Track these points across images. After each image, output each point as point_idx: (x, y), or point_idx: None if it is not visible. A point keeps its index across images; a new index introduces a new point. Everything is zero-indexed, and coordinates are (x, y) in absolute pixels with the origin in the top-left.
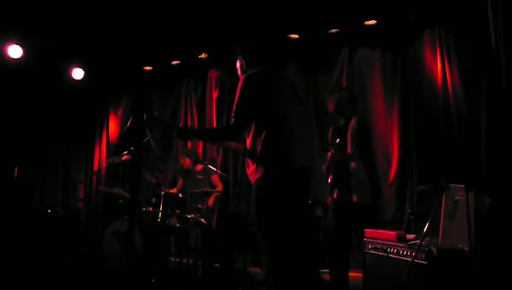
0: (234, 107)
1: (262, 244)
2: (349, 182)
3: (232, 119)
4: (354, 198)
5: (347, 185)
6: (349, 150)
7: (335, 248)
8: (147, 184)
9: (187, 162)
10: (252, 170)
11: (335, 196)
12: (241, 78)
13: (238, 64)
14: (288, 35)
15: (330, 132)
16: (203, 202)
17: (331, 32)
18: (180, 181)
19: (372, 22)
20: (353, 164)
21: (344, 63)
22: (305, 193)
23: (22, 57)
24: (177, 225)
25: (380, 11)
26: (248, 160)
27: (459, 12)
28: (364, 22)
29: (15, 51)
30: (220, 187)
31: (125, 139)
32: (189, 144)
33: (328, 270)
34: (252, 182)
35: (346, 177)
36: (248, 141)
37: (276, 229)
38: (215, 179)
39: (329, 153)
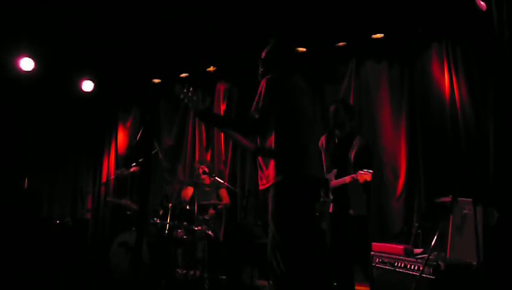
0: (255, 104)
1: (274, 249)
2: (346, 196)
3: (256, 116)
4: (351, 211)
5: (344, 198)
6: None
7: (336, 262)
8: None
9: (205, 169)
10: (267, 174)
11: (330, 210)
12: (264, 79)
13: (263, 55)
14: (296, 48)
15: (323, 139)
16: (207, 213)
17: (339, 46)
18: (190, 192)
19: (379, 35)
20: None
21: (351, 76)
22: (316, 203)
23: (33, 69)
24: (184, 236)
25: (388, 24)
26: (262, 162)
27: (466, 26)
28: (371, 35)
29: (27, 64)
30: (225, 200)
31: (134, 150)
32: (197, 156)
33: (335, 283)
34: (266, 185)
35: (343, 192)
36: (265, 143)
37: (292, 235)
38: (223, 192)
39: (349, 178)
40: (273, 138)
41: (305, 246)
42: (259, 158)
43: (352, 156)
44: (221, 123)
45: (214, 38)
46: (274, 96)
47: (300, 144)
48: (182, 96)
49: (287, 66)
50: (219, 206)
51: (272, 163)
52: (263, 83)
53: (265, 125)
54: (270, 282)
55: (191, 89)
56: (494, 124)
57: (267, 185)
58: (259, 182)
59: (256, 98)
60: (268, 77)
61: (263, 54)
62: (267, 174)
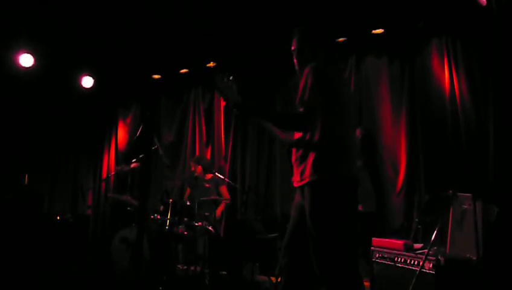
0: (301, 95)
1: (315, 249)
2: None
3: (301, 109)
4: (360, 207)
5: None
6: None
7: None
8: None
9: (199, 169)
10: (302, 170)
11: None
12: (308, 67)
13: (294, 46)
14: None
15: None
16: (210, 210)
17: (339, 41)
18: (188, 190)
19: (379, 30)
20: None
21: (351, 72)
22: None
23: (33, 65)
24: (185, 232)
25: (388, 19)
26: (300, 156)
27: (466, 21)
28: (371, 30)
29: (26, 60)
30: (226, 197)
31: (134, 147)
32: (197, 152)
33: None
34: (301, 182)
35: None
36: (305, 136)
37: (333, 237)
38: (223, 189)
39: None
40: (314, 131)
41: (346, 248)
42: (294, 153)
43: None
44: (262, 116)
45: (214, 34)
46: (321, 86)
47: (342, 140)
48: (219, 86)
49: (323, 53)
50: (224, 203)
51: (310, 159)
52: (309, 72)
53: (313, 118)
54: (271, 277)
55: (230, 78)
56: (494, 119)
57: (302, 183)
58: (293, 178)
59: (301, 88)
60: (312, 64)
61: (294, 43)
62: (302, 171)
